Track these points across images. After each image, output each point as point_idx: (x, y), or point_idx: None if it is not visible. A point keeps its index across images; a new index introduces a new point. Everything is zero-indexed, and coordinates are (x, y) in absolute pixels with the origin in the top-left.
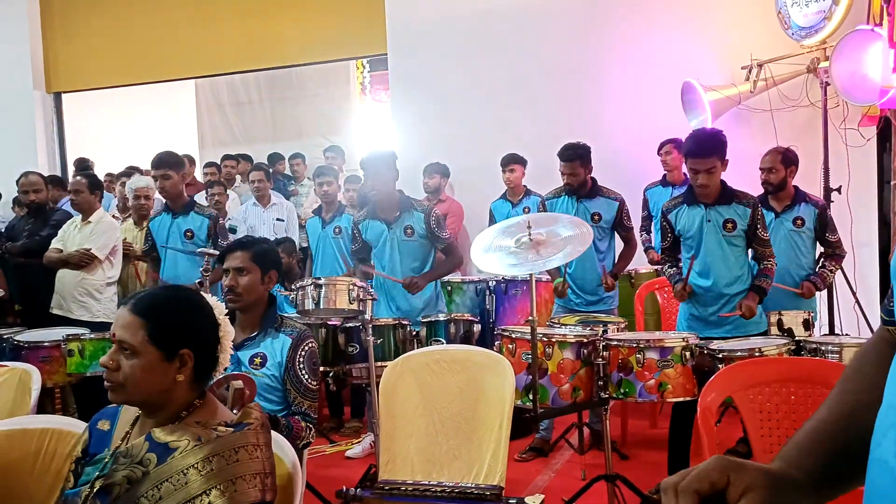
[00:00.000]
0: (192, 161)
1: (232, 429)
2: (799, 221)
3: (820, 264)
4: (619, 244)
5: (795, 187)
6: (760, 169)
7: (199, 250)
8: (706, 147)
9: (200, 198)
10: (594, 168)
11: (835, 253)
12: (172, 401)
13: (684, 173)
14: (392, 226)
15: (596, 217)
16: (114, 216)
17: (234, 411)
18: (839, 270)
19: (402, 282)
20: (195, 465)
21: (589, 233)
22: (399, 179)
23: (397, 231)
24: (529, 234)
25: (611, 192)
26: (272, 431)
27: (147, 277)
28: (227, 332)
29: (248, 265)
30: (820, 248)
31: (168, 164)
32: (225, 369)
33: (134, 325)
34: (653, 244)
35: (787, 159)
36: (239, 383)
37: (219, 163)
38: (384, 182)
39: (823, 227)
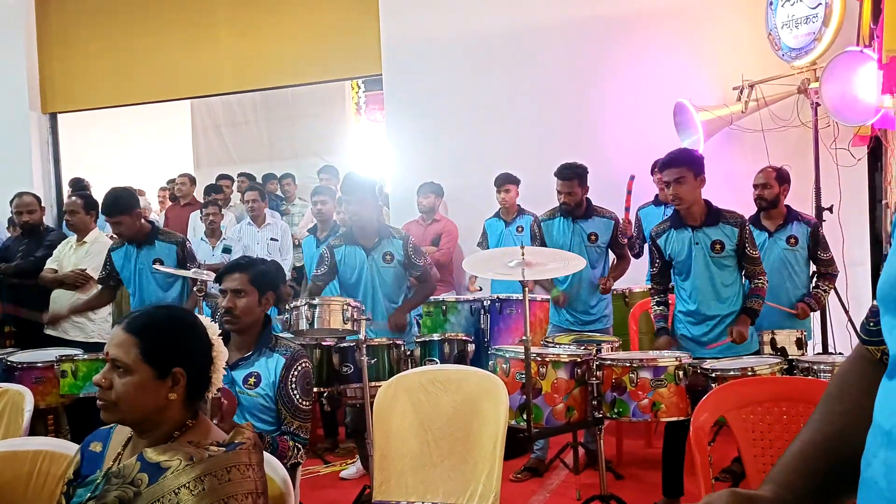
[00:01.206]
0: (192, 181)
1: (224, 448)
2: (793, 240)
3: (814, 284)
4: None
5: (787, 206)
6: (754, 186)
7: (193, 270)
8: (672, 158)
9: (196, 216)
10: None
11: (828, 272)
12: (165, 420)
13: None
14: (371, 252)
15: (593, 237)
16: (110, 237)
17: (214, 422)
18: (833, 290)
19: (389, 328)
20: (187, 485)
21: (580, 262)
22: (394, 199)
23: (376, 258)
24: (523, 256)
25: (605, 212)
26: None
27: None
28: (221, 352)
29: (246, 287)
30: (813, 268)
31: (119, 210)
32: (218, 390)
33: (127, 343)
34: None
35: (780, 176)
36: (215, 392)
37: (215, 182)
38: (369, 209)
39: (816, 246)
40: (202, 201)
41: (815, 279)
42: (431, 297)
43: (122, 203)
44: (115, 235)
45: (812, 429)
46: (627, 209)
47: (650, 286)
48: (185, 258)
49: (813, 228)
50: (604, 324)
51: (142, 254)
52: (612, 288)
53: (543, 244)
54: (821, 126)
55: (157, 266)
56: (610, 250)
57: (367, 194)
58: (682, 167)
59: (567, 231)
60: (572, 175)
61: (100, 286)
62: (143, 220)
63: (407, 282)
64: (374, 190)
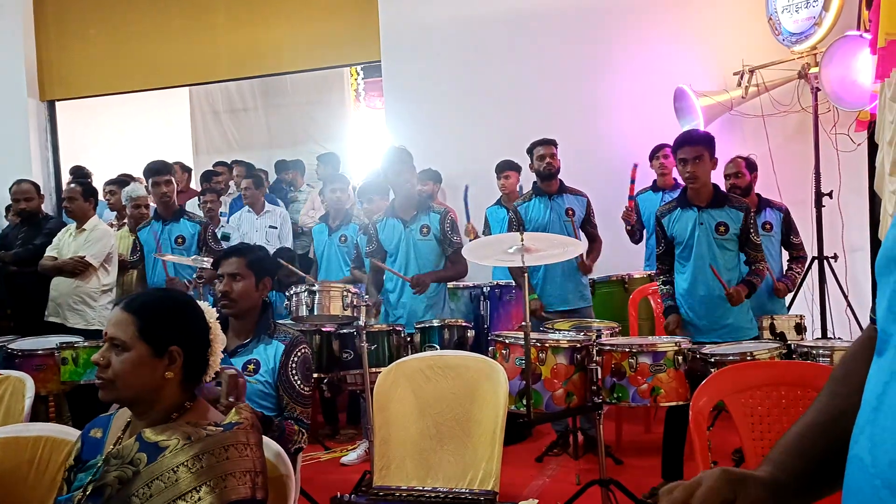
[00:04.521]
0: (186, 169)
1: (221, 428)
2: (768, 226)
3: (787, 267)
4: None
5: (758, 194)
6: (725, 176)
7: (192, 258)
8: (692, 136)
9: (192, 205)
10: (587, 173)
11: (799, 256)
12: (162, 400)
13: (674, 178)
14: (409, 225)
15: (570, 212)
16: (111, 224)
17: (231, 399)
18: (832, 274)
19: (408, 280)
20: (185, 463)
21: (578, 247)
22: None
23: (413, 230)
24: (522, 242)
25: (577, 191)
26: (264, 437)
27: (137, 287)
28: (218, 335)
29: (242, 271)
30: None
31: (166, 169)
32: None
33: (125, 321)
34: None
35: (750, 164)
36: (231, 371)
37: (212, 169)
38: (406, 180)
39: (789, 231)
40: (198, 189)
41: (789, 263)
42: None
43: (170, 167)
44: (158, 196)
45: (814, 411)
46: (631, 197)
47: (656, 267)
48: (206, 240)
49: (785, 214)
50: (587, 301)
51: (166, 230)
52: (611, 274)
53: (521, 228)
54: (821, 111)
55: (157, 255)
56: (581, 229)
57: (409, 165)
58: (700, 146)
59: (544, 209)
60: (550, 142)
61: (136, 271)
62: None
63: (445, 259)
64: (412, 162)
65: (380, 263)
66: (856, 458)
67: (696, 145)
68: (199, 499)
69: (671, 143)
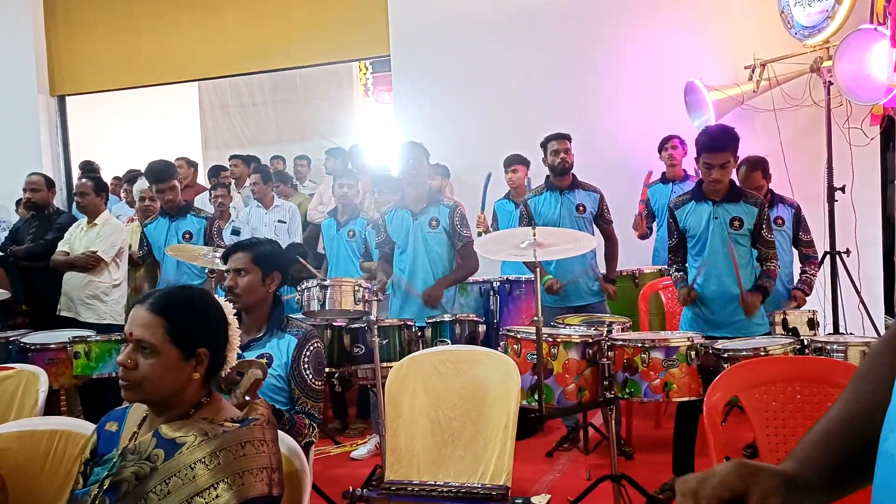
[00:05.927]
0: (191, 164)
1: (238, 424)
2: (780, 221)
3: (801, 270)
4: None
5: (770, 189)
6: (741, 181)
7: (202, 254)
8: (722, 141)
9: (202, 199)
10: (596, 167)
11: (809, 254)
12: (184, 399)
13: (684, 170)
14: (417, 217)
15: (581, 208)
16: (132, 219)
17: (247, 398)
18: (845, 269)
19: (420, 295)
20: (202, 460)
21: (590, 242)
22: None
23: (422, 222)
24: (534, 237)
25: (590, 186)
26: (278, 430)
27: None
28: (235, 331)
29: (248, 266)
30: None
31: (168, 175)
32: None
33: (153, 323)
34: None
35: (764, 171)
36: (258, 373)
37: (228, 164)
38: (419, 173)
39: (798, 227)
40: (206, 184)
41: (802, 265)
42: None
43: (172, 169)
44: (163, 201)
45: (839, 407)
46: (643, 201)
47: (668, 260)
48: (212, 235)
49: (796, 210)
50: (601, 297)
51: (173, 225)
52: (622, 269)
53: (532, 223)
54: (833, 105)
55: (168, 251)
56: (595, 225)
57: (423, 160)
58: (727, 152)
59: (555, 204)
60: (565, 136)
61: (140, 264)
62: (182, 191)
63: (454, 252)
64: (427, 157)
65: (412, 288)
66: (886, 455)
67: (723, 152)
68: (217, 495)
69: (678, 135)
